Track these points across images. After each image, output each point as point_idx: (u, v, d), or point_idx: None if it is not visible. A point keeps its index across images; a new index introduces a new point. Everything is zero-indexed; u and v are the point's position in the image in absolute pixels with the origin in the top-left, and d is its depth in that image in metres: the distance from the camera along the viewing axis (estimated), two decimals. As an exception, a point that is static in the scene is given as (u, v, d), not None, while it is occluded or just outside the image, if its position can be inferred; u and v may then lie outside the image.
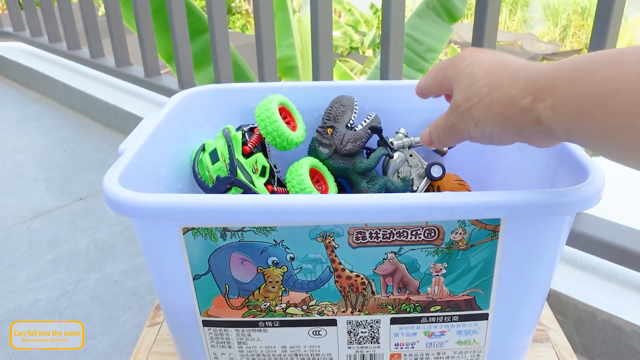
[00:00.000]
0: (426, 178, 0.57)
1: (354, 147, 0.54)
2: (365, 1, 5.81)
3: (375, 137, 0.57)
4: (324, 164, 0.55)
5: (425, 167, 0.57)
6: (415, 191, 0.57)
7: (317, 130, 0.55)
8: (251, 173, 0.52)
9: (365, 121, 0.55)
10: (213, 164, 0.52)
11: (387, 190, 0.54)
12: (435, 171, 0.56)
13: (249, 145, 0.54)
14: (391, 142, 0.57)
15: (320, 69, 1.24)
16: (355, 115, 0.55)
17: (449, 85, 0.37)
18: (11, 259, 1.27)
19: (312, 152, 0.56)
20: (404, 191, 0.55)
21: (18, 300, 1.13)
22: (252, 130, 0.56)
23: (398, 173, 0.58)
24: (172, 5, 1.57)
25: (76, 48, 2.31)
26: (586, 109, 0.27)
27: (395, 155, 0.58)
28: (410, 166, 0.58)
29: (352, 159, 0.55)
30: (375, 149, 0.57)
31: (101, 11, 5.15)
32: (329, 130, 0.54)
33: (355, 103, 0.56)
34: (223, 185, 0.50)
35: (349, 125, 0.55)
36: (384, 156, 0.57)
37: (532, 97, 0.30)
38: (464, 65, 0.36)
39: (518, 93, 0.31)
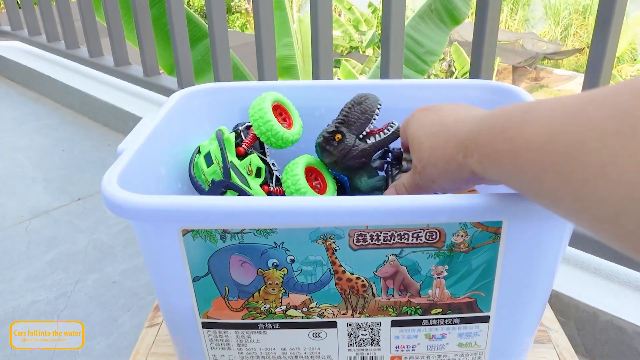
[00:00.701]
0: None
1: (357, 164, 0.49)
2: (365, 0, 5.80)
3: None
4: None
5: None
6: None
7: (323, 135, 0.50)
8: (246, 175, 0.51)
9: (383, 134, 0.49)
10: (208, 167, 0.52)
11: None
12: None
13: (243, 146, 0.53)
14: (397, 162, 0.49)
15: (320, 68, 1.24)
16: (373, 123, 0.49)
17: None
18: (9, 260, 1.27)
19: (317, 151, 0.53)
20: None
21: (16, 301, 1.13)
22: (248, 128, 0.56)
23: None
24: (171, 3, 1.57)
25: (75, 47, 2.31)
26: (502, 163, 0.30)
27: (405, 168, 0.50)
28: None
29: (355, 171, 0.51)
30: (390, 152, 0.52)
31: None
32: (337, 136, 0.49)
33: (377, 108, 0.49)
34: (218, 189, 0.50)
35: (361, 135, 0.49)
36: (379, 182, 0.51)
37: (463, 153, 0.33)
38: (412, 131, 0.40)
39: (452, 151, 0.34)
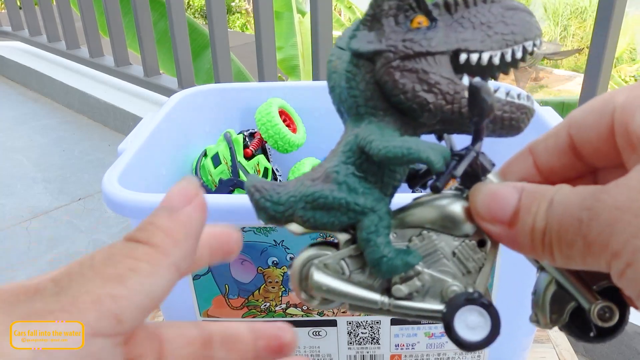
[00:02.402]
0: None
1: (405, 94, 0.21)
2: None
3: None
4: None
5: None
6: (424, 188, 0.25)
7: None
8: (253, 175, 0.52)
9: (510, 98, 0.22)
10: (215, 167, 0.52)
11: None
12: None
13: (250, 148, 0.54)
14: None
15: (321, 68, 1.24)
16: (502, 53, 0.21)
17: (616, 143, 0.18)
18: (10, 260, 1.27)
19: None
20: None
21: (17, 301, 1.13)
22: (252, 135, 0.57)
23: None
24: (171, 3, 1.57)
25: (75, 47, 2.31)
26: None
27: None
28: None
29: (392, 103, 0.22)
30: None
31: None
32: (420, 20, 0.21)
33: (534, 36, 0.20)
34: (226, 188, 0.50)
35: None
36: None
37: None
38: None
39: None
